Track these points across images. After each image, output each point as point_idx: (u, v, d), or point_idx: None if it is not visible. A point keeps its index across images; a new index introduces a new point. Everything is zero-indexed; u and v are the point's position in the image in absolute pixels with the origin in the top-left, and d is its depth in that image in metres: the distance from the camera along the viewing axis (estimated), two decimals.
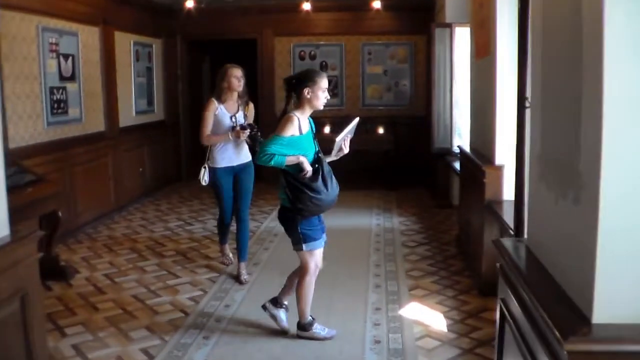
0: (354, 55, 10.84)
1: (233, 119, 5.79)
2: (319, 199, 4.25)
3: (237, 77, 5.81)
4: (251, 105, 6.08)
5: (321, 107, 4.34)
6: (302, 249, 4.40)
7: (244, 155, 6.01)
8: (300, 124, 4.25)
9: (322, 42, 10.88)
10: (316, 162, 4.29)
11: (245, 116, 5.91)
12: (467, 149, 6.55)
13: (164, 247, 7.08)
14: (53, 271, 5.99)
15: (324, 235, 4.53)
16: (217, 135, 5.79)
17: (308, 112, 4.37)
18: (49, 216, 5.96)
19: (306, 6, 10.21)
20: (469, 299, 5.34)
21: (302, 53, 10.94)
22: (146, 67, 10.15)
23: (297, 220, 4.34)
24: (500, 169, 5.21)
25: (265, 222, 8.23)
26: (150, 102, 10.31)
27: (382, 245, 7.06)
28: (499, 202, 5.16)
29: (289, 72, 10.75)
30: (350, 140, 4.44)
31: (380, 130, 10.48)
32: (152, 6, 10.26)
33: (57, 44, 7.35)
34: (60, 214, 5.97)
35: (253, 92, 11.42)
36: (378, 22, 10.70)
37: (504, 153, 5.21)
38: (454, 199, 8.73)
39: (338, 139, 4.38)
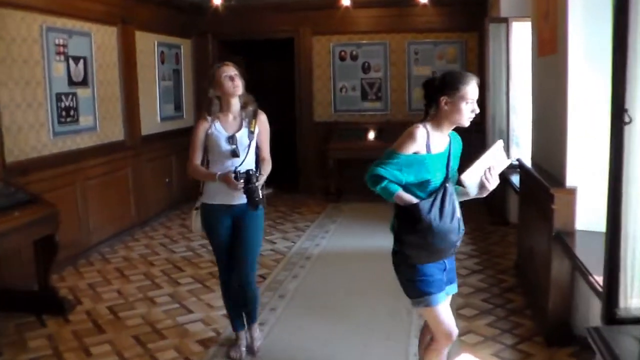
0: (399, 55, 9.96)
1: (231, 141, 4.15)
2: (423, 243, 3.22)
3: (230, 77, 4.13)
4: (262, 118, 4.31)
5: (465, 124, 3.23)
6: (415, 306, 3.40)
7: None
8: (429, 139, 3.26)
9: (364, 41, 10.03)
10: (435, 192, 3.24)
11: (251, 134, 4.19)
12: (527, 162, 5.58)
13: (181, 273, 6.33)
14: (50, 304, 5.26)
15: (452, 287, 3.48)
16: (204, 172, 4.24)
17: (447, 127, 3.31)
18: (45, 241, 5.30)
19: (346, 2, 9.32)
20: (533, 349, 4.41)
21: (343, 53, 10.10)
22: (173, 70, 9.46)
23: (404, 262, 3.36)
24: (572, 192, 4.25)
25: (299, 243, 7.40)
26: (178, 107, 9.62)
27: None
28: (571, 233, 4.22)
29: (329, 74, 10.13)
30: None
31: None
32: (179, 4, 9.53)
33: (65, 46, 6.66)
34: (57, 238, 5.25)
35: (290, 96, 10.94)
36: (425, 18, 9.78)
37: (577, 172, 4.30)
38: (510, 216, 7.80)
39: (470, 172, 3.18)
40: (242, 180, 3.99)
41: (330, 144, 9.54)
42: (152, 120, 8.71)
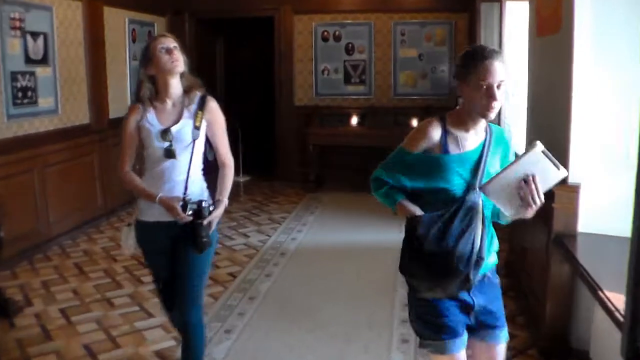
0: (385, 36, 9.45)
1: (165, 137, 3.17)
2: (422, 269, 2.56)
3: (167, 49, 3.17)
4: (212, 106, 3.30)
5: (485, 116, 2.50)
6: (421, 347, 2.75)
7: None
8: (446, 136, 2.57)
9: (348, 21, 9.50)
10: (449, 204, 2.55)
11: (196, 130, 3.22)
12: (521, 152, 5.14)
13: (144, 270, 5.61)
14: None
15: (493, 333, 2.69)
16: (141, 187, 3.26)
17: (471, 122, 2.57)
18: None
19: None
20: None
21: (326, 33, 9.58)
22: None
23: (411, 291, 2.73)
24: (575, 190, 3.75)
25: (274, 236, 6.89)
26: None
27: None
28: (572, 235, 3.76)
29: (310, 54, 9.61)
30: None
31: (414, 124, 9.10)
32: None
33: (21, 20, 6.08)
34: (2, 233, 4.78)
35: (269, 79, 10.49)
36: None
37: (581, 167, 3.83)
38: None
39: (496, 184, 2.41)
40: (190, 212, 3.12)
41: (310, 129, 9.05)
42: (122, 103, 8.06)
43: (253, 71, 11.41)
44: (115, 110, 7.87)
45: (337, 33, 9.59)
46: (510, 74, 6.85)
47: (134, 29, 8.49)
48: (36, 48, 6.32)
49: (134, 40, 8.47)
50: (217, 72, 11.23)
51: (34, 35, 6.29)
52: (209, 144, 3.35)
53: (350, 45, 9.55)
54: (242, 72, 11.44)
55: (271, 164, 10.19)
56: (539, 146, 2.37)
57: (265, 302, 5.02)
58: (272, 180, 9.93)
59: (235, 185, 9.35)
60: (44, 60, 6.47)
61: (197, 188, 3.28)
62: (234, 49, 11.47)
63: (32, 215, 6.26)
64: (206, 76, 9.98)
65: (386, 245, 6.18)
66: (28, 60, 6.21)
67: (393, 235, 6.24)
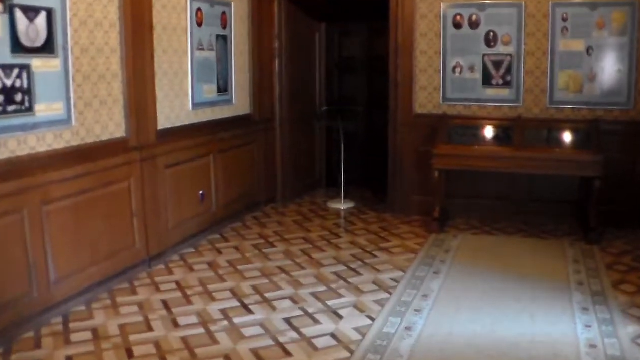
0: (540, 23, 7.37)
1: None
2: None
3: None
4: None
5: None
6: None
7: None
8: None
9: (489, 1, 7.55)
10: None
11: None
12: None
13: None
14: None
15: None
16: None
17: None
18: None
19: None
20: None
21: (459, 18, 7.61)
22: (217, 36, 7.22)
23: None
24: None
25: (379, 320, 4.91)
26: (223, 89, 7.42)
27: None
28: None
29: (437, 46, 7.68)
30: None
31: (576, 144, 7.17)
32: None
33: None
34: None
35: (381, 78, 8.43)
36: None
37: None
38: None
39: None
40: None
41: (436, 147, 7.10)
42: (178, 108, 6.55)
43: (361, 67, 9.77)
44: (166, 118, 6.34)
45: (474, 17, 7.59)
46: None
47: (199, 9, 6.84)
48: (33, 30, 4.61)
49: (199, 24, 6.82)
50: (317, 67, 9.56)
51: (29, 11, 4.58)
52: None
53: (491, 34, 7.52)
54: (347, 67, 9.81)
55: (381, 188, 8.45)
56: None
57: None
58: (383, 212, 8.16)
59: (334, 215, 7.48)
60: (46, 49, 4.77)
61: None
62: (338, 38, 9.79)
63: (23, 274, 4.61)
64: (301, 70, 7.91)
65: (555, 342, 4.26)
66: (18, 47, 4.50)
67: (561, 323, 4.35)
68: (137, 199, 5.87)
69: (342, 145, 8.60)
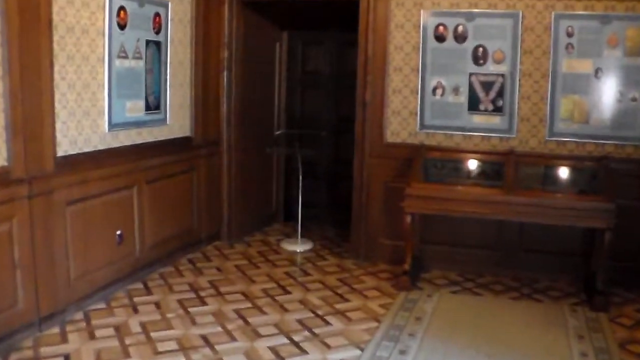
0: (539, 37, 6.23)
1: None
2: None
3: None
4: None
5: None
6: None
7: None
8: None
9: (478, 10, 6.38)
10: None
11: None
12: None
13: None
14: None
15: None
16: None
17: None
18: None
19: None
20: None
21: (442, 29, 6.45)
22: (147, 42, 5.97)
23: None
24: None
25: None
26: (153, 106, 6.17)
27: None
28: None
29: (415, 62, 6.50)
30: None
31: (582, 187, 6.02)
32: None
33: None
34: None
35: (352, 97, 6.87)
36: None
37: None
38: None
39: None
40: None
41: (409, 186, 5.88)
42: (88, 129, 5.28)
43: (328, 84, 8.61)
44: (71, 142, 5.09)
45: (460, 29, 6.43)
46: None
47: (122, 8, 5.56)
48: None
49: (121, 26, 5.55)
50: (276, 83, 8.36)
51: None
52: None
53: (480, 49, 6.35)
54: (311, 83, 8.67)
55: (347, 224, 7.17)
56: None
57: None
58: (345, 257, 6.97)
59: (287, 260, 6.97)
60: None
61: None
62: (302, 49, 8.65)
63: None
64: (257, 88, 8.01)
65: None
66: None
67: None
68: (22, 245, 4.59)
69: (300, 176, 7.38)
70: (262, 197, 8.23)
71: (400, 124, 6.61)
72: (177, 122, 6.57)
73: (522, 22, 6.23)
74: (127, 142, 5.78)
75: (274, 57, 8.25)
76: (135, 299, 5.51)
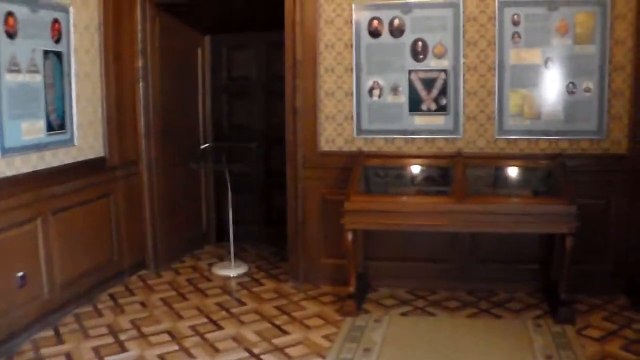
0: (484, 27, 5.71)
1: None
2: None
3: None
4: None
5: None
6: None
7: None
8: None
9: (414, 1, 5.82)
10: None
11: None
12: None
13: None
14: None
15: None
16: None
17: None
18: None
19: None
20: None
21: (376, 23, 5.89)
22: (45, 52, 5.20)
23: None
24: None
25: None
26: (57, 125, 5.40)
27: None
28: None
29: (348, 61, 5.93)
30: None
31: (537, 188, 5.58)
32: None
33: None
34: None
35: (284, 103, 6.11)
36: None
37: None
38: None
39: None
40: None
41: (348, 199, 5.28)
42: None
43: (257, 91, 7.89)
44: None
45: (396, 22, 5.86)
46: None
47: (10, 14, 4.77)
48: None
49: (10, 35, 4.78)
50: (200, 92, 7.69)
51: None
52: None
53: (420, 43, 5.79)
54: (239, 90, 7.94)
55: (285, 242, 6.54)
56: None
57: None
58: (283, 280, 6.34)
59: (219, 288, 6.28)
60: None
61: None
62: (227, 53, 7.93)
63: None
64: (179, 99, 7.30)
65: None
66: None
67: None
68: None
69: (230, 193, 6.73)
70: (192, 217, 7.55)
71: (336, 130, 6.02)
72: (86, 142, 5.83)
73: (463, 12, 5.69)
74: (26, 169, 4.99)
75: (195, 64, 7.57)
76: (43, 350, 4.74)
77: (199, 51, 7.63)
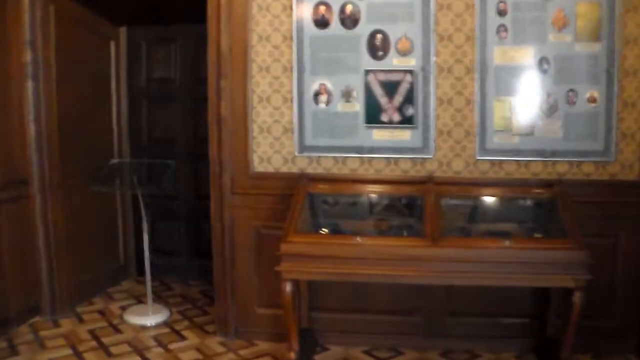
0: (459, 17, 4.56)
1: None
2: None
3: None
4: None
5: None
6: None
7: None
8: None
9: None
10: None
11: None
12: None
13: None
14: None
15: None
16: None
17: None
18: None
19: None
20: None
21: (323, 9, 4.67)
22: None
23: None
24: None
25: None
26: None
27: None
28: None
29: (288, 57, 4.68)
30: None
31: (533, 226, 4.37)
32: None
33: None
34: None
35: (199, 112, 5.16)
36: None
37: None
38: None
39: None
40: None
41: (285, 240, 4.03)
42: None
43: (183, 94, 6.61)
44: None
45: (349, 9, 4.64)
46: None
47: None
48: None
49: None
50: (113, 95, 6.36)
51: None
52: None
53: (379, 36, 4.61)
54: (161, 94, 6.66)
55: (210, 279, 5.27)
56: None
57: None
58: (211, 332, 5.09)
59: (128, 344, 5.00)
60: None
61: None
62: (146, 49, 6.65)
63: None
64: (85, 103, 6.14)
65: None
66: None
67: None
68: None
69: (145, 221, 5.47)
70: (105, 248, 6.23)
71: (272, 145, 4.77)
72: None
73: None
74: None
75: (107, 61, 6.26)
76: None
77: (112, 45, 6.29)
